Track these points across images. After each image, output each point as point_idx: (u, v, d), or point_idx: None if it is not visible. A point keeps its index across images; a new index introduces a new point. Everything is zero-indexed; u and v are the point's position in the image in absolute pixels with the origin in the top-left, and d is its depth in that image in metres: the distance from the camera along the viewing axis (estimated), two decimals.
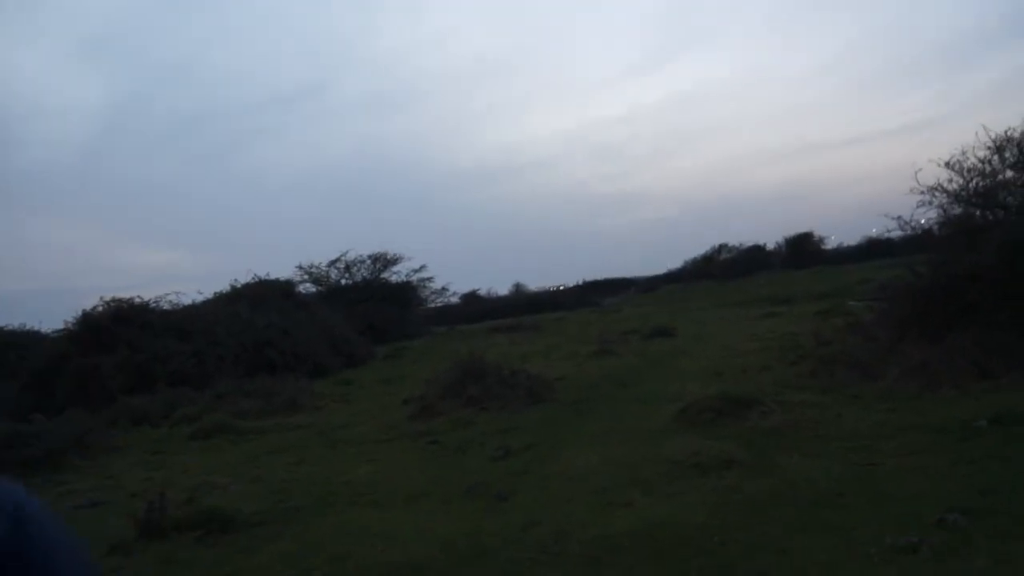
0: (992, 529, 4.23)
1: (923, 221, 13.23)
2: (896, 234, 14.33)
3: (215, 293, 25.18)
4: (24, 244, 72.86)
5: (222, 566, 5.31)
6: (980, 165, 12.38)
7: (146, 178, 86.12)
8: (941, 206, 12.75)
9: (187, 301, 22.61)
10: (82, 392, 16.37)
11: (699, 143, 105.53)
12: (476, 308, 52.10)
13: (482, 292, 59.62)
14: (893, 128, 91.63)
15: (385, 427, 10.99)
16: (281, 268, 48.02)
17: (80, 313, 19.20)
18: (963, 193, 12.54)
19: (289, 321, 22.58)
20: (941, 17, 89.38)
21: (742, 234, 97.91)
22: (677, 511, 5.27)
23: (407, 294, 38.65)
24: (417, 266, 39.20)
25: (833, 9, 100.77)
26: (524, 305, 51.04)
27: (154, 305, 20.73)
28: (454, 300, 47.66)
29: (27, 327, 24.66)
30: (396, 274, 38.93)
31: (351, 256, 38.03)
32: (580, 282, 74.32)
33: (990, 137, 12.18)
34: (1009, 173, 12.28)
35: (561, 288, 69.68)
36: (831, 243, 58.67)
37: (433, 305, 43.34)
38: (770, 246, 60.50)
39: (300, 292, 30.97)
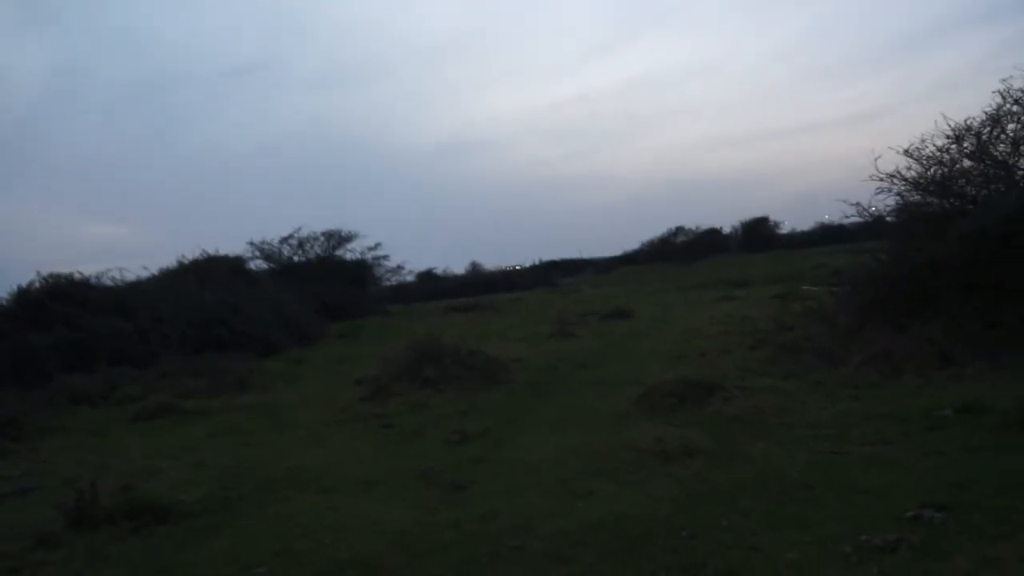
0: (970, 526, 4.05)
1: (882, 208, 13.26)
2: (854, 220, 14.37)
3: (160, 269, 24.40)
4: None
5: (154, 561, 4.92)
6: (938, 154, 12.37)
7: (90, 149, 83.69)
8: (899, 193, 12.77)
9: (132, 277, 21.87)
10: (16, 372, 15.63)
11: (656, 126, 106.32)
12: (432, 287, 51.66)
13: (438, 271, 59.23)
14: (847, 116, 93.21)
15: (337, 409, 10.61)
16: (232, 244, 46.99)
17: (15, 289, 18.32)
18: (921, 181, 12.53)
19: (239, 298, 21.92)
20: (899, 7, 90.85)
21: (698, 217, 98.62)
22: (641, 503, 5.02)
23: (362, 272, 38.04)
24: (372, 244, 38.61)
25: None
26: (481, 285, 50.76)
27: (95, 281, 19.96)
28: (410, 279, 47.26)
29: None
30: (351, 252, 38.32)
31: (304, 233, 37.30)
32: (537, 262, 74.34)
33: (949, 126, 12.16)
34: (967, 162, 12.29)
35: (518, 268, 69.62)
36: (785, 228, 59.35)
37: (388, 283, 42.84)
38: (726, 230, 60.94)
39: (251, 269, 30.26)
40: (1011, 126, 11.79)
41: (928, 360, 8.35)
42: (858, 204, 13.35)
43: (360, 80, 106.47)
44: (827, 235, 51.43)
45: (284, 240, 37.15)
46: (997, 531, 3.96)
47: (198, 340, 18.90)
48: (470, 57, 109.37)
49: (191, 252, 26.19)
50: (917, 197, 12.67)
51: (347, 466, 7.14)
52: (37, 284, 18.63)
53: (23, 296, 18.27)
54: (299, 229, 37.10)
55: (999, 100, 11.87)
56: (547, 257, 76.62)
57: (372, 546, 4.79)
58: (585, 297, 34.52)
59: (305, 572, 4.49)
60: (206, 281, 23.01)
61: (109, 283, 20.46)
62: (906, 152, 12.59)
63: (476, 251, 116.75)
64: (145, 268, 23.61)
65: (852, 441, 6.14)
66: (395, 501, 5.77)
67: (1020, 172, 11.53)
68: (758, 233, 57.60)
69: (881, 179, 12.66)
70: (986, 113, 12.00)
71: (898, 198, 12.78)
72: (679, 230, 62.46)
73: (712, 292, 28.40)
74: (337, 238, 37.95)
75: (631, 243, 69.41)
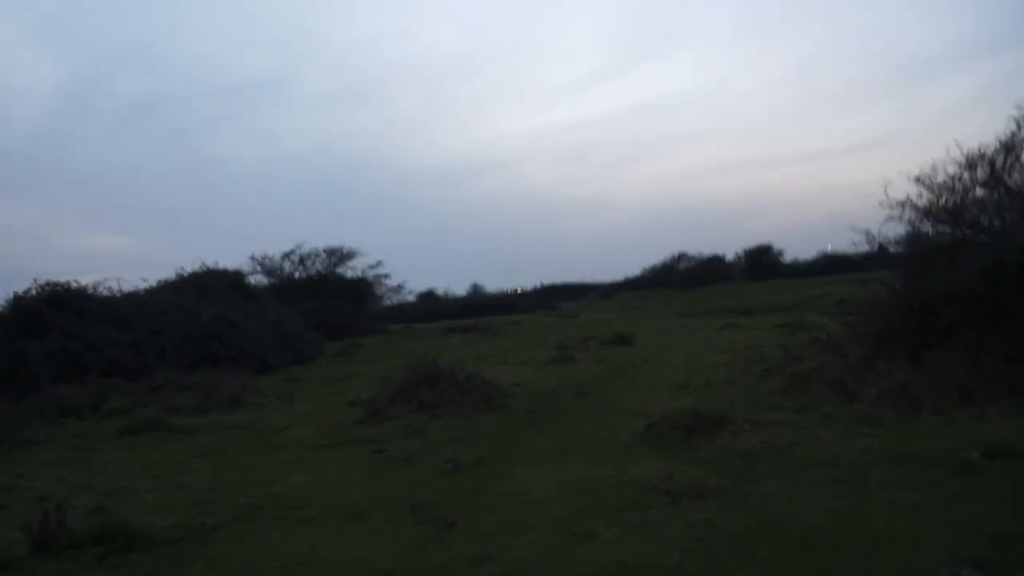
0: None
1: (891, 236, 12.92)
2: (862, 249, 14.04)
3: (159, 281, 24.05)
4: None
5: None
6: (950, 181, 12.05)
7: (98, 162, 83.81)
8: (910, 221, 12.43)
9: (129, 288, 21.52)
10: (9, 380, 15.25)
11: (660, 151, 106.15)
12: (432, 307, 51.33)
13: (439, 291, 58.87)
14: (850, 144, 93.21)
15: (328, 431, 10.23)
16: (234, 259, 46.75)
17: (11, 296, 17.98)
18: (933, 209, 12.20)
19: (237, 313, 21.56)
20: (903, 35, 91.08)
21: (700, 244, 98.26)
22: (648, 549, 4.62)
23: (362, 290, 37.68)
24: (373, 262, 38.28)
25: (796, 23, 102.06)
26: (481, 306, 50.42)
27: (92, 291, 19.61)
28: (410, 298, 46.92)
29: None
30: (352, 269, 37.97)
31: (306, 249, 36.99)
32: (538, 286, 74.01)
33: (961, 153, 11.84)
34: (979, 191, 11.96)
35: (519, 291, 69.29)
36: (787, 257, 58.96)
37: (389, 303, 42.45)
38: (729, 257, 60.52)
39: (251, 283, 29.91)
40: None
41: (947, 396, 7.95)
42: (867, 231, 13.04)
43: (366, 99, 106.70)
44: (830, 264, 51.05)
45: (285, 256, 36.87)
46: None
47: (193, 354, 18.54)
48: (475, 79, 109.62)
49: (191, 265, 25.87)
50: (928, 226, 12.36)
51: (334, 494, 6.75)
52: (34, 291, 18.32)
53: (19, 303, 17.94)
54: (301, 245, 36.84)
55: (1014, 127, 11.55)
56: (548, 281, 76.31)
57: None
58: (585, 321, 34.13)
59: None
60: (204, 295, 22.67)
61: (106, 293, 20.14)
62: (917, 179, 12.28)
63: (477, 273, 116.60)
64: (144, 279, 23.22)
65: (872, 485, 5.73)
66: (381, 537, 5.37)
67: None
68: (761, 261, 57.04)
69: (891, 206, 12.34)
70: (1000, 141, 11.69)
71: (908, 226, 12.46)
72: (681, 256, 62.03)
73: (715, 320, 28.03)
74: (339, 255, 37.65)
75: (633, 269, 69.00)
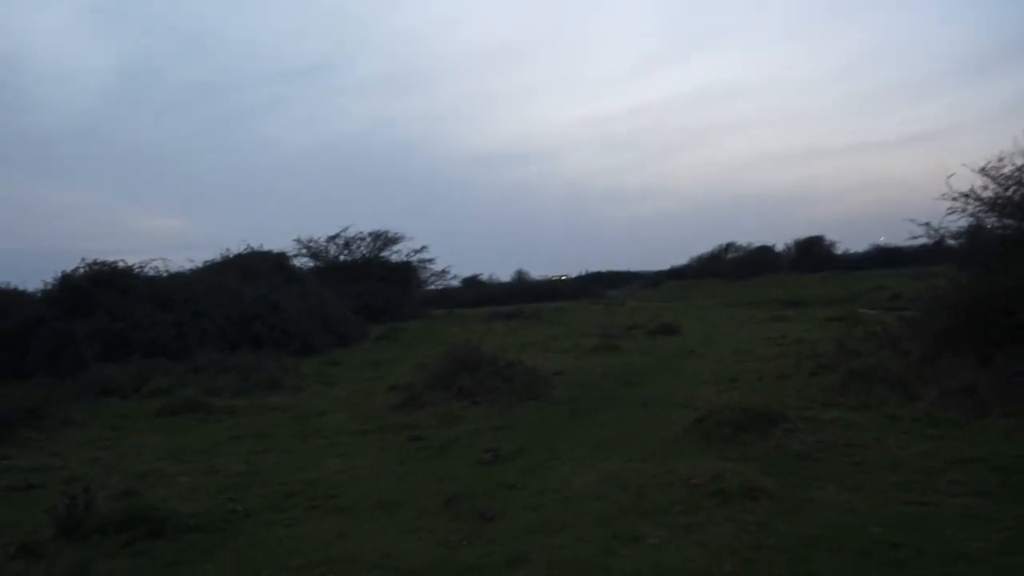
0: None
1: (954, 228, 12.29)
2: (919, 241, 13.42)
3: (204, 262, 24.20)
4: (25, 206, 72.06)
5: None
6: (1017, 173, 11.40)
7: (153, 145, 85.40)
8: (973, 214, 11.81)
9: (175, 268, 21.64)
10: (55, 357, 15.40)
11: (708, 141, 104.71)
12: (477, 293, 51.26)
13: (484, 277, 58.81)
14: (901, 138, 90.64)
15: (366, 416, 10.06)
16: (281, 241, 47.10)
17: (59, 274, 18.14)
18: (999, 201, 11.56)
19: (281, 295, 21.59)
20: (955, 31, 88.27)
21: (749, 234, 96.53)
22: (697, 555, 4.29)
23: (406, 274, 37.75)
24: (418, 246, 38.30)
25: (848, 18, 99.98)
26: (525, 293, 50.23)
27: (138, 271, 19.73)
28: (455, 283, 46.95)
29: (12, 286, 23.63)
30: (396, 253, 38.08)
31: (351, 232, 37.15)
32: (583, 273, 73.51)
33: None
34: None
35: (563, 278, 68.88)
36: (839, 248, 57.55)
37: (433, 287, 42.50)
38: (778, 248, 59.30)
39: (295, 266, 30.01)
40: None
41: (1019, 398, 7.44)
42: (927, 224, 12.42)
43: (414, 86, 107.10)
44: (883, 257, 49.75)
45: (331, 239, 37.08)
46: None
47: (236, 336, 18.59)
48: (524, 67, 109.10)
49: (237, 247, 26.02)
50: (993, 218, 11.72)
51: (368, 483, 6.53)
52: (81, 270, 18.46)
53: (66, 282, 18.08)
54: (346, 228, 37.02)
55: None
56: (593, 268, 75.76)
57: None
58: (631, 310, 33.66)
59: None
60: (248, 276, 22.74)
61: (152, 273, 20.26)
62: (982, 170, 11.64)
63: (523, 259, 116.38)
64: (191, 260, 23.39)
65: (940, 491, 5.32)
66: (414, 531, 5.12)
67: None
68: (812, 252, 55.81)
69: (954, 198, 11.73)
70: None
71: (972, 219, 11.84)
72: (730, 246, 61.09)
73: (763, 311, 27.39)
74: (384, 239, 37.73)
75: (679, 258, 68.18)
